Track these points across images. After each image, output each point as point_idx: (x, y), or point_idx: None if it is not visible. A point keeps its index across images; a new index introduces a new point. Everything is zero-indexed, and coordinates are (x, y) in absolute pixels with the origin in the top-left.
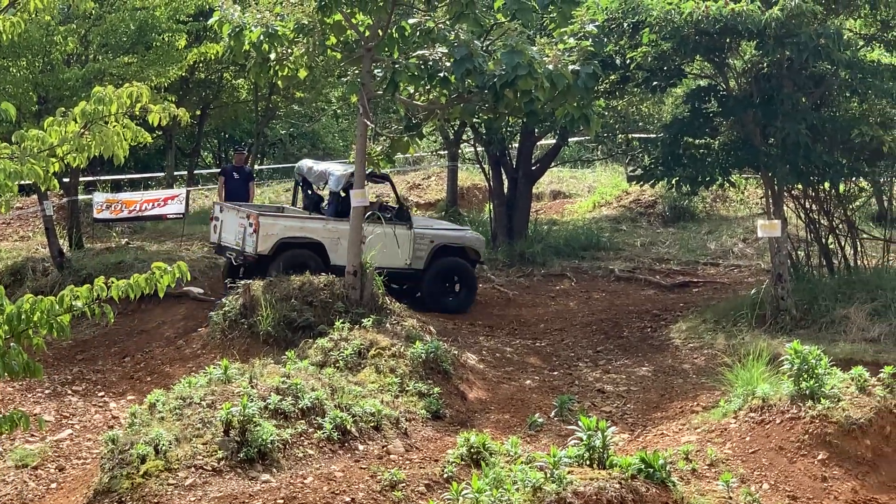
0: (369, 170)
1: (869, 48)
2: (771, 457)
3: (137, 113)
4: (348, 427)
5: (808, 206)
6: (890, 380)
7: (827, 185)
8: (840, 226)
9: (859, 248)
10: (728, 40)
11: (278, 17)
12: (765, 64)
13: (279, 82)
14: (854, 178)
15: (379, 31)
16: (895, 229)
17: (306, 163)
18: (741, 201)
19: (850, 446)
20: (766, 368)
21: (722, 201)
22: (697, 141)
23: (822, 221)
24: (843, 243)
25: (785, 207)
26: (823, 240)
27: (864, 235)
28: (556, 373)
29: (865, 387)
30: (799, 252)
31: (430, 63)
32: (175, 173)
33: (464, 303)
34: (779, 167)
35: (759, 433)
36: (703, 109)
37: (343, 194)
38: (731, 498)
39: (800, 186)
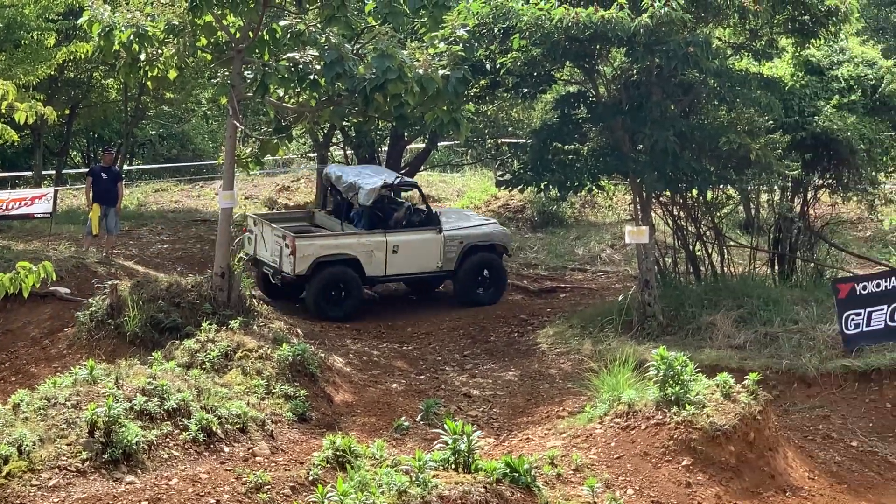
0: (398, 178)
1: (738, 57)
2: (636, 462)
3: (4, 111)
4: (214, 429)
5: (675, 212)
6: (754, 386)
7: (695, 192)
8: (707, 233)
9: (726, 256)
10: (598, 47)
11: (149, 18)
12: (634, 71)
13: (149, 83)
14: (721, 186)
15: (250, 32)
16: (762, 237)
17: (334, 170)
18: (609, 207)
19: (715, 452)
20: (632, 374)
21: (590, 207)
22: (566, 147)
23: (689, 228)
24: (710, 250)
25: (653, 214)
26: (691, 247)
27: (731, 243)
28: (422, 377)
29: (730, 393)
30: (666, 258)
31: (301, 66)
32: (43, 172)
33: (494, 295)
34: (647, 174)
35: (624, 439)
36: (573, 115)
37: (372, 209)
38: (595, 503)
39: (668, 193)
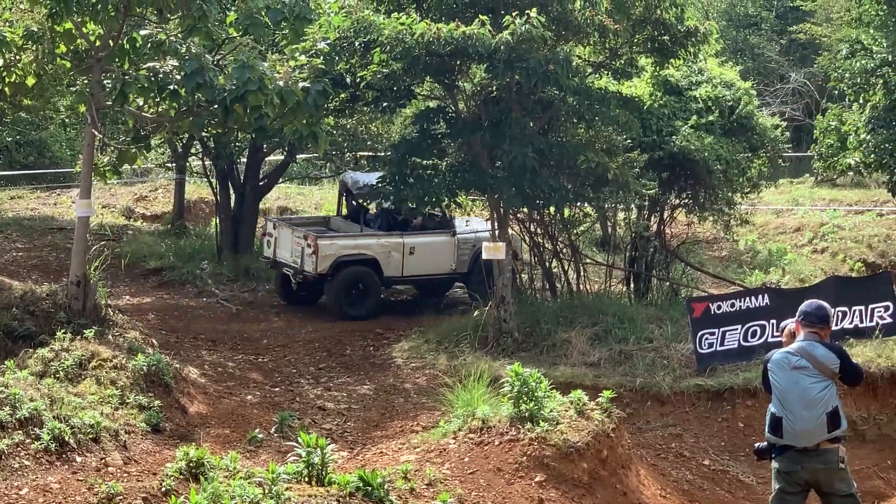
0: None
1: (597, 76)
2: (489, 478)
3: None
4: (67, 438)
5: (532, 229)
6: (608, 404)
7: (552, 209)
8: (564, 250)
9: (582, 273)
10: (458, 63)
11: (7, 24)
12: (494, 87)
13: (6, 89)
14: (579, 204)
15: (110, 41)
16: (618, 255)
17: (352, 176)
18: (467, 223)
19: (568, 469)
20: (486, 390)
21: None
22: (425, 161)
23: (546, 245)
24: (566, 267)
25: (510, 230)
26: (547, 263)
27: (588, 260)
28: (277, 389)
29: (584, 410)
30: (523, 275)
31: (161, 75)
32: None
33: None
34: (505, 190)
35: (478, 454)
36: (432, 130)
37: (392, 209)
38: None
39: (525, 210)
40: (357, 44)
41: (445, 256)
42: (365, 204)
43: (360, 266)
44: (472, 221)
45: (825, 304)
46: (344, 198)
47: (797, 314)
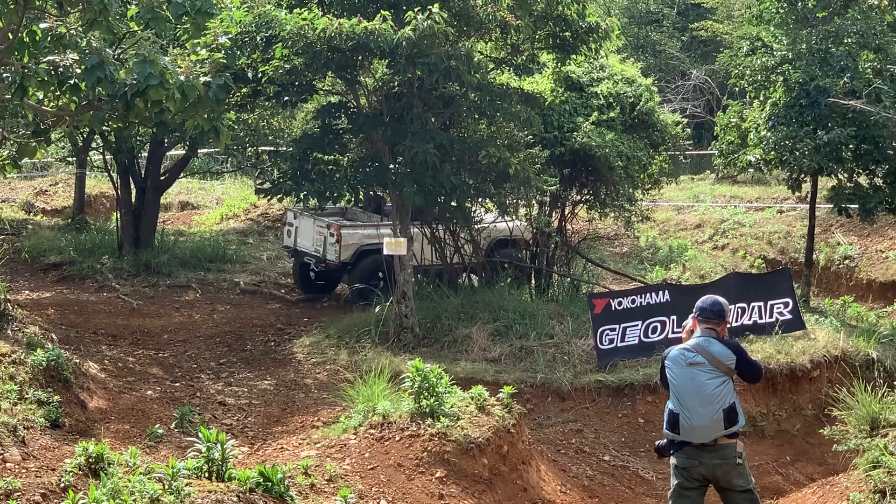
0: None
1: (499, 71)
2: (390, 473)
3: None
4: None
5: (434, 225)
6: (508, 400)
7: (454, 204)
8: (465, 245)
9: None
10: (360, 58)
11: None
12: (396, 83)
13: None
14: (480, 199)
15: (9, 34)
16: (519, 250)
17: None
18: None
19: (468, 465)
20: (387, 385)
21: None
22: (327, 157)
23: (447, 241)
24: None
25: (411, 226)
26: (448, 259)
27: (491, 257)
28: (178, 384)
29: (485, 406)
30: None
31: (61, 69)
32: None
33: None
34: (406, 186)
35: (378, 449)
36: (334, 126)
37: None
38: None
39: (427, 205)
40: (259, 39)
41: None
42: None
43: (381, 255)
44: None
45: (721, 300)
46: None
47: (694, 310)
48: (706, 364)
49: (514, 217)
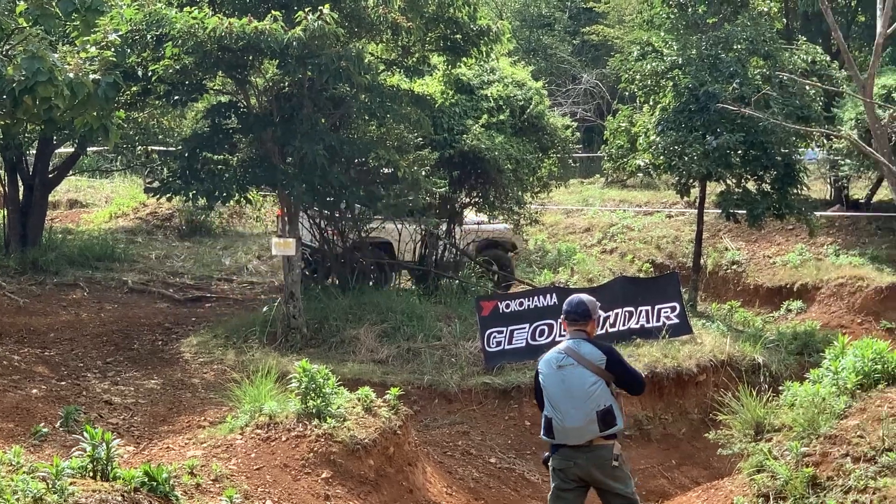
0: None
1: (389, 73)
2: (276, 474)
3: None
4: None
5: (323, 225)
6: (395, 401)
7: (343, 205)
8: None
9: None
10: (251, 58)
11: None
12: (286, 83)
13: None
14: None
15: None
16: (408, 252)
17: None
18: (258, 218)
19: (354, 466)
20: (274, 386)
21: (238, 217)
22: (216, 156)
23: (336, 242)
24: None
25: (300, 226)
26: (338, 260)
27: (381, 258)
28: (63, 383)
29: (371, 407)
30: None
31: None
32: None
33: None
34: (296, 186)
35: (265, 450)
36: (224, 125)
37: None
38: None
39: (316, 206)
40: (149, 37)
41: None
42: None
43: (376, 249)
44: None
45: (586, 298)
46: None
47: (561, 313)
48: (576, 365)
49: (496, 219)
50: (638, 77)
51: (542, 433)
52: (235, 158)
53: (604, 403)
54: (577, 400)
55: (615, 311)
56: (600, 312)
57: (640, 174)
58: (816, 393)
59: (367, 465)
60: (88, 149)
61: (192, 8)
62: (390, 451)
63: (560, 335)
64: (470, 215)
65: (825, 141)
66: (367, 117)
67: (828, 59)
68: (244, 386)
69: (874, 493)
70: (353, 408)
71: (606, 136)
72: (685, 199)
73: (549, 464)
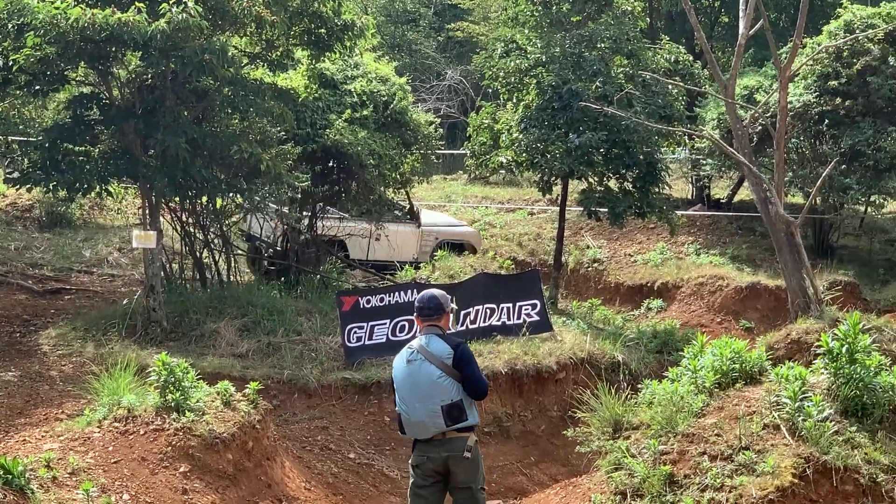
0: None
1: (253, 66)
2: (133, 467)
3: None
4: None
5: (184, 219)
6: (255, 395)
7: (204, 199)
8: (215, 240)
9: (233, 264)
10: (113, 49)
11: None
12: (149, 75)
13: None
14: (232, 195)
15: None
16: (269, 247)
17: None
18: (119, 211)
19: (213, 460)
20: (133, 379)
21: (99, 209)
22: (77, 147)
23: (197, 235)
24: (217, 258)
25: (162, 219)
26: (198, 253)
27: (239, 252)
28: None
29: (231, 401)
30: (173, 264)
31: None
32: None
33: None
34: (157, 179)
35: (122, 443)
36: (85, 117)
37: None
38: None
39: (177, 199)
40: (10, 26)
41: (409, 245)
42: None
43: (328, 246)
44: (435, 216)
45: (438, 294)
46: None
47: (414, 309)
48: (424, 361)
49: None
50: (502, 74)
51: (398, 428)
52: (97, 150)
53: (450, 398)
54: (423, 395)
55: (476, 307)
56: (454, 306)
57: (503, 171)
58: (675, 391)
59: (226, 459)
60: None
61: None
62: (249, 445)
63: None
64: (429, 214)
65: (687, 140)
66: (229, 111)
67: (691, 58)
68: (103, 379)
69: (731, 492)
70: (213, 402)
71: (469, 132)
72: (547, 196)
73: (410, 460)
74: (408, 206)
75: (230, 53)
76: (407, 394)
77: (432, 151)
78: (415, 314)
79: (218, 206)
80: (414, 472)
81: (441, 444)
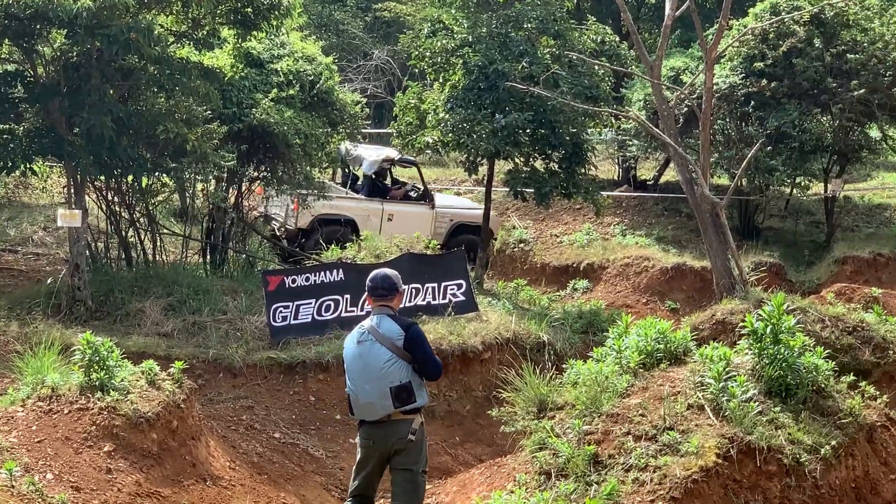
0: (399, 156)
1: (179, 45)
2: (57, 447)
3: None
4: None
5: (110, 198)
6: (179, 375)
7: (130, 178)
8: (141, 219)
9: (159, 243)
10: (38, 27)
11: None
12: (74, 53)
13: None
14: (157, 174)
15: None
16: (196, 226)
17: (345, 145)
18: (44, 189)
19: (137, 439)
20: (58, 358)
21: (24, 188)
22: (1, 126)
23: (123, 214)
24: (143, 237)
25: (87, 198)
26: (124, 232)
27: (165, 231)
28: None
29: (155, 381)
30: (99, 243)
31: None
32: None
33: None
34: (83, 158)
35: (46, 423)
36: (9, 94)
37: (374, 177)
38: (13, 486)
39: (103, 178)
40: None
41: (423, 227)
42: (354, 171)
43: (338, 226)
44: (452, 199)
45: (391, 273)
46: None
47: (366, 288)
48: (374, 342)
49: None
50: (428, 54)
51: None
52: (21, 128)
53: (399, 380)
54: (372, 376)
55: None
56: (409, 288)
57: (429, 151)
58: (600, 371)
59: (150, 438)
60: None
61: None
62: (174, 424)
63: (347, 311)
64: (446, 197)
65: (613, 121)
66: (155, 89)
67: (617, 39)
68: (27, 358)
69: (655, 472)
70: (137, 381)
71: (396, 112)
72: (473, 176)
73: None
74: (421, 188)
75: (156, 32)
76: (357, 375)
77: (359, 131)
78: (366, 293)
79: (144, 185)
80: (359, 451)
81: (387, 427)
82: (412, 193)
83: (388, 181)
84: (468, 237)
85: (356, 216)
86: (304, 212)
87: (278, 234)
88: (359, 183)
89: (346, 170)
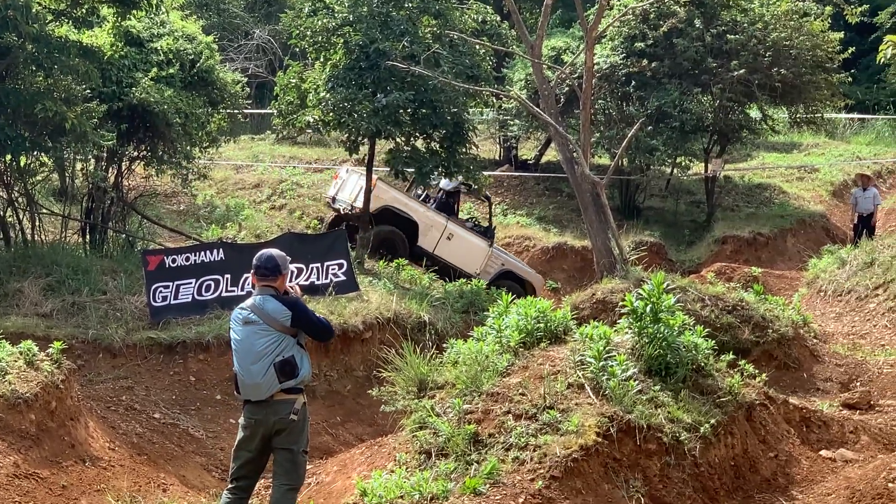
0: (474, 187)
1: (58, 23)
2: None
3: None
4: None
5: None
6: (58, 355)
7: (8, 158)
8: (19, 199)
9: (38, 223)
10: None
11: None
12: None
13: None
14: (36, 153)
15: None
16: (75, 206)
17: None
18: None
19: (15, 420)
20: None
21: None
22: None
23: (0, 194)
24: (21, 217)
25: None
26: (1, 212)
27: (44, 210)
28: None
29: (34, 361)
30: None
31: None
32: None
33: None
34: None
35: None
36: None
37: (446, 196)
38: None
39: None
40: None
41: (475, 258)
42: (431, 192)
43: (402, 221)
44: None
45: (276, 253)
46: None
47: (251, 268)
48: (260, 323)
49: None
50: (309, 33)
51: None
52: None
53: (283, 354)
54: (256, 356)
55: None
56: (291, 268)
57: (310, 131)
58: (480, 351)
59: (28, 419)
60: None
61: None
62: (52, 405)
63: (227, 290)
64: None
65: (494, 101)
66: (34, 68)
67: (498, 19)
68: None
69: (535, 451)
70: (15, 361)
71: (277, 91)
72: (354, 156)
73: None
74: (486, 225)
75: (34, 10)
76: (243, 356)
77: (239, 111)
78: (251, 272)
79: (22, 164)
80: (242, 431)
81: (268, 406)
82: (476, 229)
83: (457, 208)
84: (511, 283)
85: (420, 221)
86: (375, 196)
87: (342, 213)
88: (430, 200)
89: (423, 189)
